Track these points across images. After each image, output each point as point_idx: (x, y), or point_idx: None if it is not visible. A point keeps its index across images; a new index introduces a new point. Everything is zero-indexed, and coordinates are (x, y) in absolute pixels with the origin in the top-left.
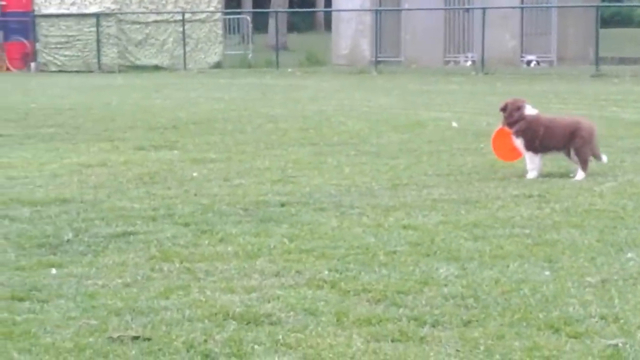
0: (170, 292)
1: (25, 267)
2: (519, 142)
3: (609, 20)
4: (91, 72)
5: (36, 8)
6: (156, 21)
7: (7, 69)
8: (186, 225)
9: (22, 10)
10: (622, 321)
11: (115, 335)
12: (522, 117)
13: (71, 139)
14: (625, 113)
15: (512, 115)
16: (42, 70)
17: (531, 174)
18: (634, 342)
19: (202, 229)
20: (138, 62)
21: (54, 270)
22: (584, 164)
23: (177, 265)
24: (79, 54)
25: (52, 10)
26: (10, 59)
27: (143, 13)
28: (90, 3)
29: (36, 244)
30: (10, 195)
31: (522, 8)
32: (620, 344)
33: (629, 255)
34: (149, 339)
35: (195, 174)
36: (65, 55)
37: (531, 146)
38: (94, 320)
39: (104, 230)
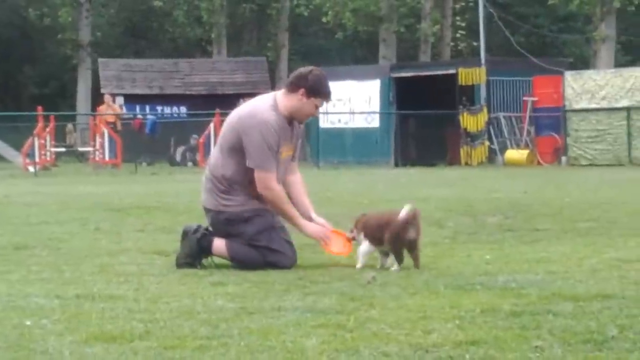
0: None
1: None
2: None
3: None
4: (621, 165)
5: (567, 103)
6: None
7: (538, 162)
8: None
9: (553, 105)
10: None
11: None
12: None
13: (607, 233)
14: None
15: None
16: (572, 164)
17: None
18: None
19: None
20: None
21: None
22: None
23: None
24: (609, 147)
25: (583, 105)
26: (541, 153)
27: None
28: (621, 97)
29: (581, 340)
30: (552, 289)
31: None
32: None
33: None
34: None
35: None
36: (595, 149)
37: None
38: None
39: None
